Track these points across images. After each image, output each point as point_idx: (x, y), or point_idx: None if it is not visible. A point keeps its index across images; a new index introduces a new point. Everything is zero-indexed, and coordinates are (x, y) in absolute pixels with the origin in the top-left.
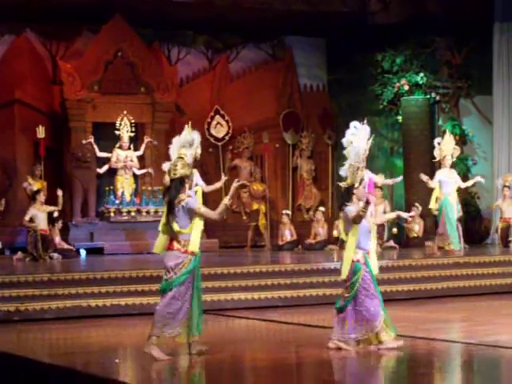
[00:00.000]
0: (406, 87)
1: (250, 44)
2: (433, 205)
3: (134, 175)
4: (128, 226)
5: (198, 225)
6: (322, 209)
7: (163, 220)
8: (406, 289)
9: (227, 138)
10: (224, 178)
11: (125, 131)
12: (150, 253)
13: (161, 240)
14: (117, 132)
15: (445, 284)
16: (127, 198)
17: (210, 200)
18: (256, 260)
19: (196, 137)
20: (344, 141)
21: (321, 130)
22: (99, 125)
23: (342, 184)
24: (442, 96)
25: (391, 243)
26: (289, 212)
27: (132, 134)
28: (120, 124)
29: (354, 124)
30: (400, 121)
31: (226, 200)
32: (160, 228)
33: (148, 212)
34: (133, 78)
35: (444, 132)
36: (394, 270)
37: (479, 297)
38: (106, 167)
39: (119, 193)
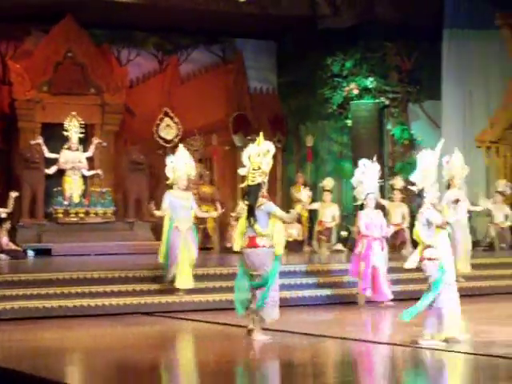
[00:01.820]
0: (356, 91)
1: (200, 46)
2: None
3: (83, 176)
4: (76, 228)
5: (279, 226)
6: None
7: (244, 222)
8: (354, 292)
9: (176, 140)
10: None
11: (73, 132)
12: (98, 254)
13: (239, 239)
14: (65, 133)
15: (397, 287)
16: (76, 199)
17: None
18: (204, 262)
19: (271, 147)
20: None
21: (270, 132)
22: (48, 125)
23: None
24: (391, 100)
25: (339, 246)
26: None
27: (81, 135)
28: (69, 125)
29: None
30: (349, 125)
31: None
32: (239, 229)
33: (96, 213)
34: (82, 78)
35: (393, 136)
36: (342, 273)
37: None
38: (54, 168)
39: (68, 194)
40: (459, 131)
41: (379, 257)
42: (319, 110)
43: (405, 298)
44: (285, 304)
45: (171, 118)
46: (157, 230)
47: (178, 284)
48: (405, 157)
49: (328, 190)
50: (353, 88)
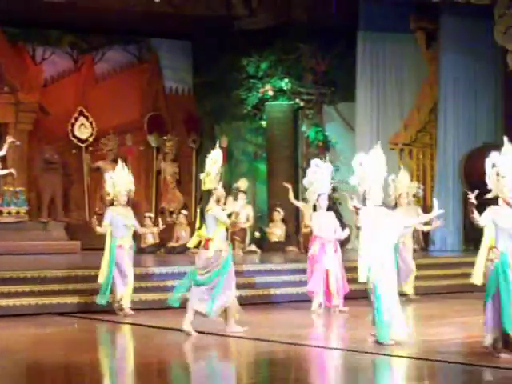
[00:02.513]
0: (271, 92)
1: (115, 46)
2: None
3: None
4: None
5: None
6: (184, 212)
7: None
8: (265, 293)
9: (91, 139)
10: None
11: None
12: (11, 254)
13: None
14: None
15: (305, 288)
16: None
17: None
18: None
19: (219, 154)
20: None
21: (185, 133)
22: None
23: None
24: (306, 102)
25: (253, 247)
26: (151, 215)
27: None
28: None
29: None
30: (264, 126)
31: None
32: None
33: (9, 213)
34: None
35: (307, 137)
36: (255, 274)
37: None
38: None
39: None
40: (373, 133)
41: (332, 259)
42: (234, 110)
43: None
44: None
45: (86, 118)
46: (70, 229)
47: (126, 303)
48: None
49: (242, 191)
50: (268, 89)
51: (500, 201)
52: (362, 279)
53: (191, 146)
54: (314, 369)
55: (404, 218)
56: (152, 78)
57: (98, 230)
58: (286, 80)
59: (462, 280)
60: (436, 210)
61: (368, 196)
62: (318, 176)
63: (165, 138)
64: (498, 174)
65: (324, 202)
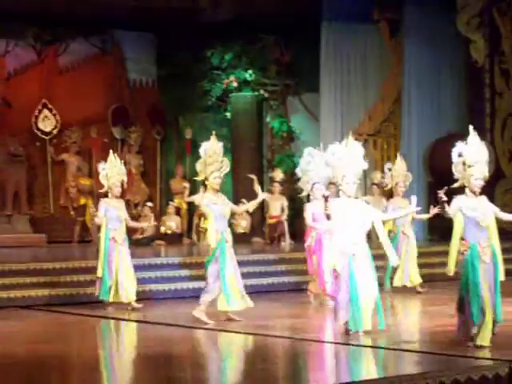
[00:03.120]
0: (235, 84)
1: (79, 37)
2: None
3: None
4: None
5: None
6: (149, 204)
7: None
8: None
9: (55, 131)
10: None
11: None
12: None
13: None
14: None
15: (270, 280)
16: None
17: None
18: (83, 255)
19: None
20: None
21: (150, 125)
22: None
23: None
24: (270, 93)
25: None
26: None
27: None
28: None
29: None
30: (228, 117)
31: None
32: None
33: None
34: None
35: (272, 128)
36: None
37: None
38: None
39: None
40: (337, 124)
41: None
42: (199, 102)
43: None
44: (163, 296)
45: (50, 110)
46: (35, 222)
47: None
48: (284, 149)
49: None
50: (232, 80)
51: (466, 190)
52: (338, 268)
53: (156, 138)
54: (285, 359)
55: (377, 212)
56: (116, 70)
57: (96, 220)
58: (250, 71)
59: (427, 270)
60: (413, 206)
61: (341, 187)
62: (312, 165)
63: (129, 129)
64: (464, 164)
65: (319, 192)
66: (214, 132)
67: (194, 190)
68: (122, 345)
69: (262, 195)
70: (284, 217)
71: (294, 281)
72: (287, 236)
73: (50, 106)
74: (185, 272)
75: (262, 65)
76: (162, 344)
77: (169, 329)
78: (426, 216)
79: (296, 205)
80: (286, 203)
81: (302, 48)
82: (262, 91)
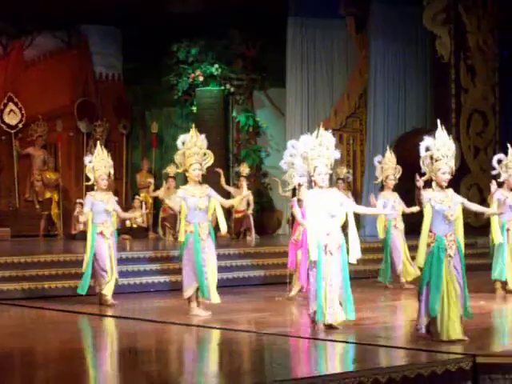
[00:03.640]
0: (201, 78)
1: (45, 31)
2: (381, 233)
3: None
4: None
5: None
6: (138, 197)
7: None
8: None
9: (20, 125)
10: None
11: None
12: None
13: None
14: None
15: (235, 274)
16: None
17: None
18: (48, 249)
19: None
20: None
21: (115, 119)
22: None
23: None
24: (236, 88)
25: None
26: (82, 201)
27: None
28: None
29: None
30: (194, 111)
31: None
32: None
33: None
34: None
35: (238, 123)
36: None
37: (271, 286)
38: None
39: None
40: (303, 119)
41: None
42: (165, 96)
43: None
44: (129, 290)
45: (15, 104)
46: None
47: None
48: (250, 144)
49: (172, 177)
50: (198, 75)
51: (433, 184)
52: (312, 258)
53: (122, 132)
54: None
55: (351, 203)
56: (82, 64)
57: (81, 218)
58: (217, 65)
59: None
60: (380, 208)
61: (313, 178)
62: (297, 158)
63: (95, 123)
64: (431, 158)
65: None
66: (193, 125)
67: (159, 184)
68: (90, 339)
69: (246, 192)
70: (250, 211)
71: (260, 275)
72: (253, 230)
73: (15, 100)
74: (150, 266)
75: (229, 59)
76: (129, 338)
77: (137, 323)
78: (415, 209)
79: (262, 199)
80: (251, 197)
81: (268, 43)
82: (228, 86)
